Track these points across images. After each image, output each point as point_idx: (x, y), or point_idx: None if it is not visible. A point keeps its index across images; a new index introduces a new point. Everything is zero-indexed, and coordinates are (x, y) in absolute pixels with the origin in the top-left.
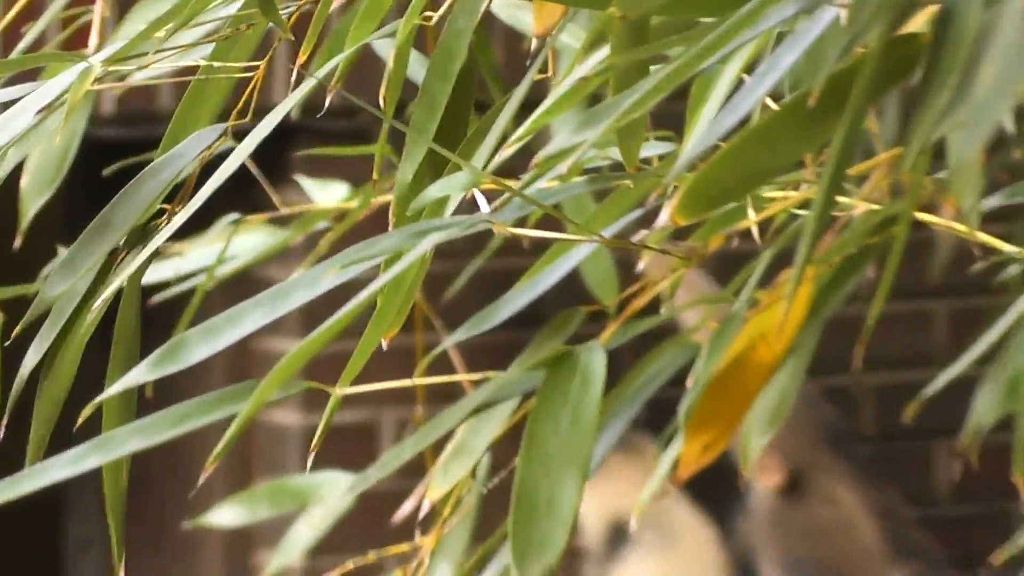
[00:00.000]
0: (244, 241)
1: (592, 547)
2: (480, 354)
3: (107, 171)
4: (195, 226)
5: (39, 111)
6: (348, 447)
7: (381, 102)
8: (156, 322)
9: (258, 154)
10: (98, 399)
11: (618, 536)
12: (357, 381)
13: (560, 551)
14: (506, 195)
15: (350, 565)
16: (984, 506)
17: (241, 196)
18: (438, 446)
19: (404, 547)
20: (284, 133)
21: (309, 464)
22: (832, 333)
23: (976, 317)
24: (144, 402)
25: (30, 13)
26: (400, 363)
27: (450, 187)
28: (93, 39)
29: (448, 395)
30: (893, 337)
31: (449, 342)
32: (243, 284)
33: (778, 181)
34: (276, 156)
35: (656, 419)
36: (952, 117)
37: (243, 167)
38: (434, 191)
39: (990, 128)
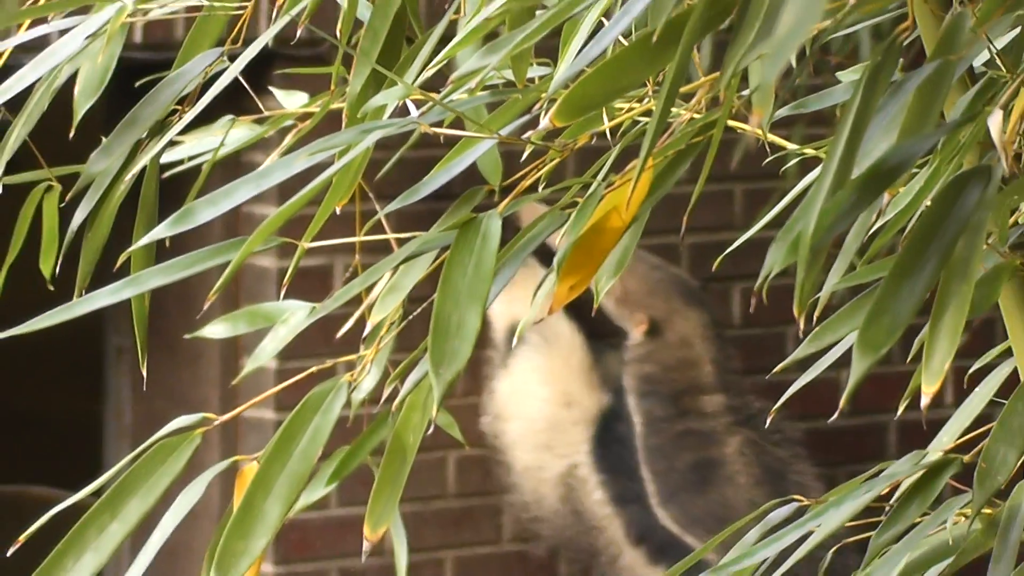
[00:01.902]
0: (236, 134)
1: (496, 343)
2: (406, 220)
3: (137, 84)
4: (200, 123)
5: (87, 37)
6: (310, 284)
7: (338, 34)
8: (170, 194)
9: (247, 72)
10: (131, 248)
11: (514, 336)
12: (317, 238)
13: (465, 361)
14: (429, 104)
15: (313, 369)
16: (767, 329)
17: (235, 103)
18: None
19: (352, 357)
20: (267, 57)
21: (281, 296)
22: (664, 206)
23: (765, 197)
24: (163, 252)
25: None
26: (347, 226)
27: (388, 97)
28: None
29: (381, 249)
30: (704, 209)
31: (388, 209)
32: (234, 167)
33: (628, 96)
34: (261, 74)
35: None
36: (756, 51)
37: (236, 81)
38: (377, 100)
39: (785, 60)
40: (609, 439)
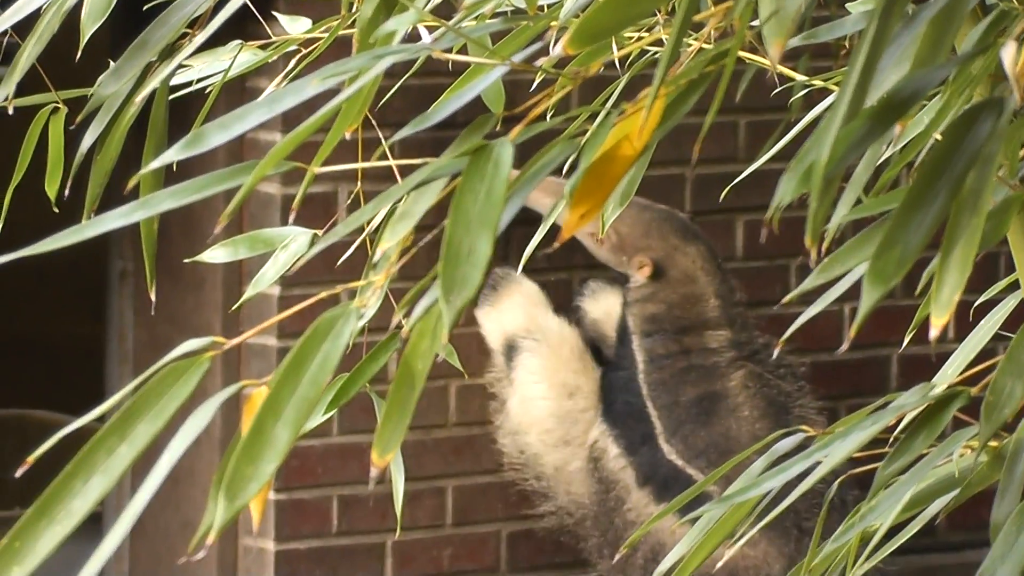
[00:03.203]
0: (241, 59)
1: (497, 359)
2: (409, 148)
3: (147, 6)
4: (206, 48)
5: None
6: (313, 212)
7: None
8: (175, 119)
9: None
10: (141, 171)
11: (511, 348)
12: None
13: (476, 288)
14: (441, 29)
15: (321, 295)
16: (770, 262)
17: (242, 28)
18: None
19: (359, 283)
20: None
21: (291, 222)
22: (668, 137)
23: (769, 129)
24: (169, 177)
25: None
26: (351, 153)
27: (399, 23)
28: None
29: (385, 177)
30: (708, 141)
31: (398, 136)
32: (239, 92)
33: (638, 24)
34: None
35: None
36: None
37: (243, 6)
38: (388, 25)
39: None
40: (614, 390)
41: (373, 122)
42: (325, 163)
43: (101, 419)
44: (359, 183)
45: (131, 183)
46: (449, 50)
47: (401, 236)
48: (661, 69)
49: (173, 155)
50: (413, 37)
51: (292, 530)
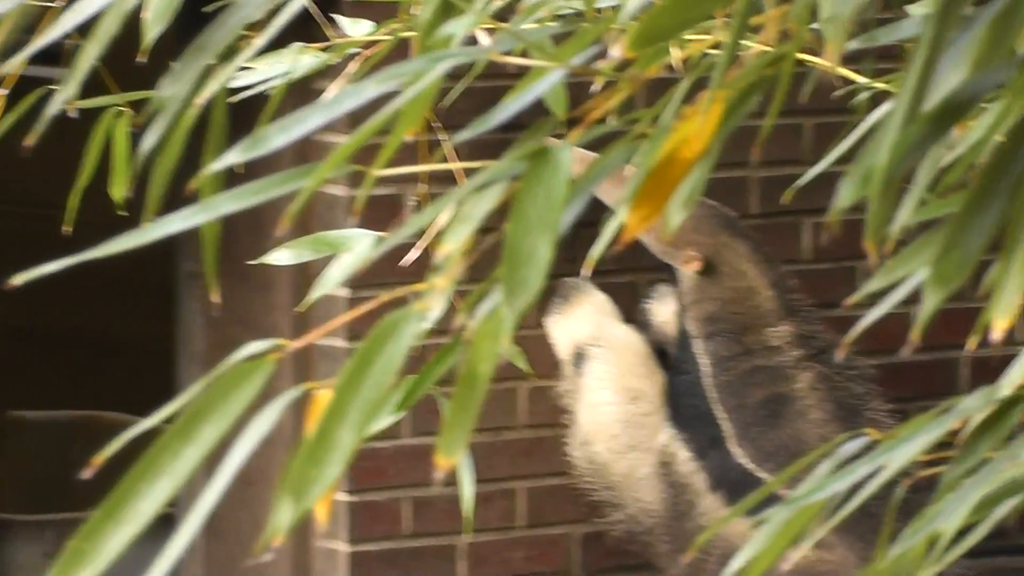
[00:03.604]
0: (303, 61)
1: (567, 369)
2: (473, 150)
3: (205, 8)
4: (268, 50)
5: None
6: (379, 214)
7: None
8: (237, 121)
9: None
10: (202, 174)
11: (579, 357)
12: (385, 167)
13: (537, 290)
14: (500, 33)
15: (384, 297)
16: (837, 264)
17: (304, 30)
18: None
19: (423, 286)
20: None
21: (357, 224)
22: (733, 139)
23: (835, 131)
24: (233, 179)
25: None
26: (414, 156)
27: (458, 25)
28: None
29: (449, 179)
30: (773, 143)
31: (459, 139)
32: (302, 94)
33: (699, 27)
34: (333, 1)
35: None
36: None
37: (305, 9)
38: (449, 28)
39: None
40: (680, 393)
41: (437, 124)
42: (389, 165)
43: (169, 421)
44: (420, 185)
45: (192, 185)
46: (508, 53)
47: (462, 239)
48: (719, 73)
49: (235, 158)
50: (475, 39)
51: (364, 532)
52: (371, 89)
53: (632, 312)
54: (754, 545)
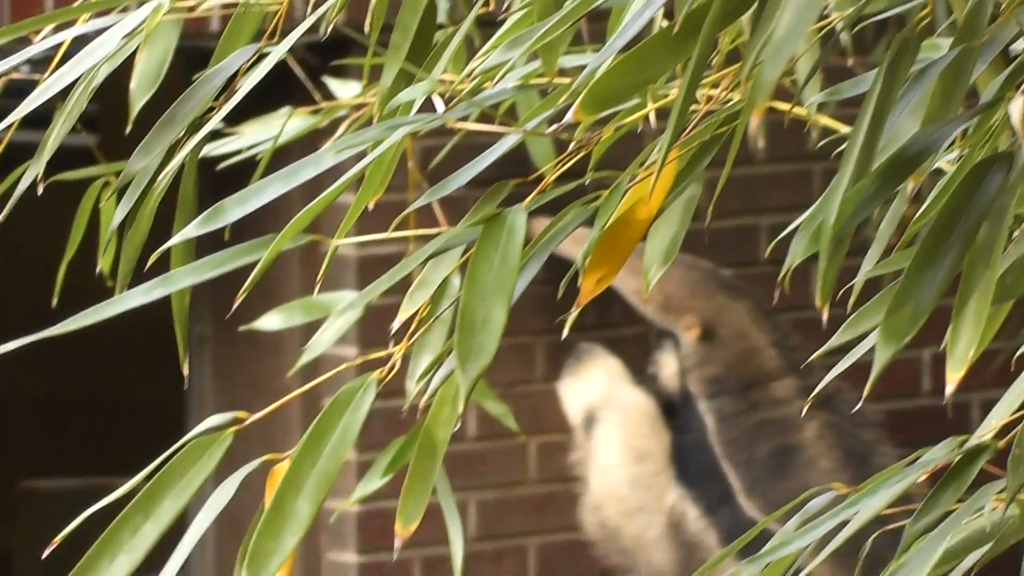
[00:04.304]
0: (293, 124)
1: (577, 430)
2: (461, 207)
3: (195, 76)
4: (259, 113)
5: (123, 36)
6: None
7: (366, 28)
8: (236, 185)
9: (315, 59)
10: (162, 248)
11: (590, 420)
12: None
13: (491, 356)
14: (456, 100)
15: (358, 360)
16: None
17: (296, 92)
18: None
19: (382, 353)
20: (334, 44)
21: (317, 291)
22: (738, 188)
23: None
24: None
25: None
26: (419, 214)
27: (414, 93)
28: None
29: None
30: (783, 189)
31: (418, 204)
32: (306, 154)
33: (668, 85)
34: (333, 59)
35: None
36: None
37: (291, 73)
38: (403, 96)
39: (784, 62)
40: (686, 452)
41: (421, 183)
42: (398, 225)
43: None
44: (411, 246)
45: (151, 260)
46: (466, 118)
47: (419, 305)
48: (669, 131)
49: (192, 231)
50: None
51: None
52: (328, 159)
53: (642, 364)
54: None
